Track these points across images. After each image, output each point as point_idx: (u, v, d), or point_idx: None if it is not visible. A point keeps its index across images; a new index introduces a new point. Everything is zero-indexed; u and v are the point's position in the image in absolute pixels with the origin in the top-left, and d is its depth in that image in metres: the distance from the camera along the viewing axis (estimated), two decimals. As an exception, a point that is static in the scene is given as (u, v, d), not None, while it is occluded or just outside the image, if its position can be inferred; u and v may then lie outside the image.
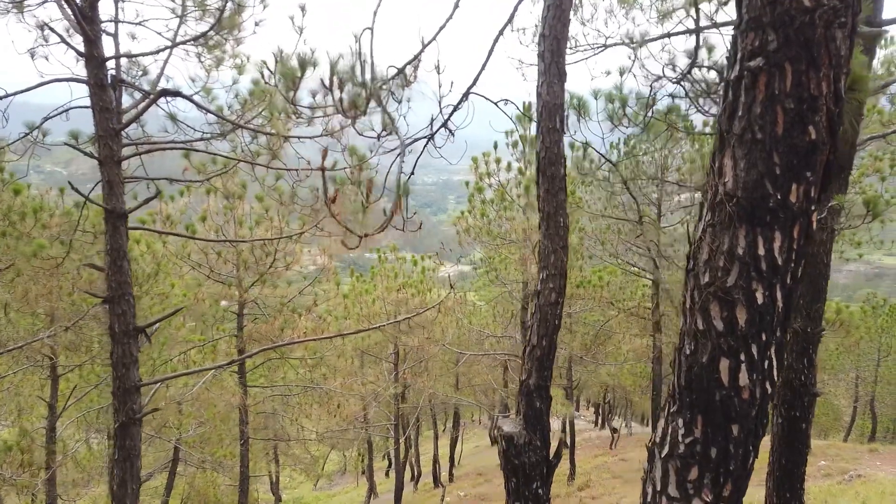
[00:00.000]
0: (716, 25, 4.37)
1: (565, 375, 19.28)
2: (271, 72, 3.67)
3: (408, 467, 31.90)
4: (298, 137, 6.64)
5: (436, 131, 3.64)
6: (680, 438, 2.37)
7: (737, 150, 2.14)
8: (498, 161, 13.51)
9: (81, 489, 18.42)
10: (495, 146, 13.65)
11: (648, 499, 2.46)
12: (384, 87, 3.47)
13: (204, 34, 6.05)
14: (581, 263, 14.32)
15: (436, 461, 31.18)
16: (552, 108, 3.24)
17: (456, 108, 3.76)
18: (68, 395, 14.49)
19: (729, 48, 2.35)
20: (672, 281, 18.17)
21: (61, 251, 9.50)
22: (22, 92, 5.57)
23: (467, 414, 45.94)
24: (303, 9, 6.97)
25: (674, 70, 4.33)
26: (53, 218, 9.54)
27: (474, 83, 3.60)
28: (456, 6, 3.27)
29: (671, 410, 2.42)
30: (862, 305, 21.08)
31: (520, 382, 3.43)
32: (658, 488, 2.43)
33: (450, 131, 4.01)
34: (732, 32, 2.20)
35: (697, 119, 6.59)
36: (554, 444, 3.55)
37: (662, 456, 2.43)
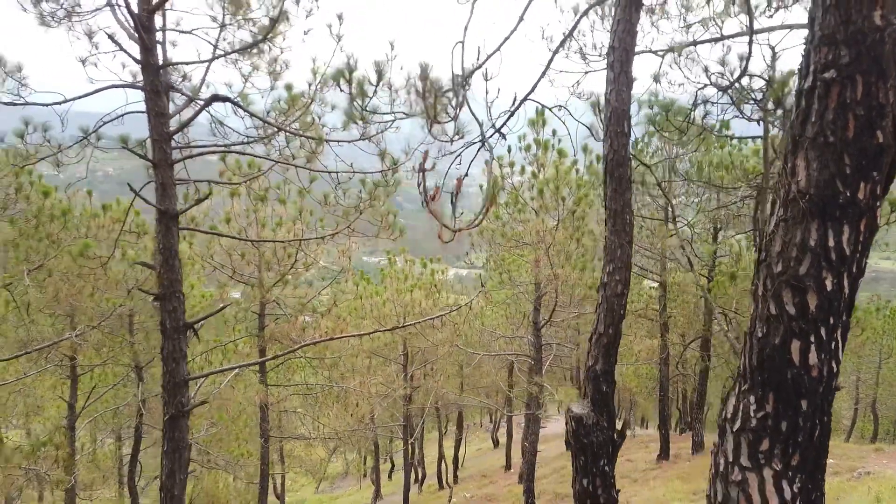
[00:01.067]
0: (769, 29, 4.62)
1: (575, 377, 19.50)
2: (346, 79, 3.91)
3: (411, 469, 32.04)
4: (338, 141, 6.89)
5: (491, 135, 3.89)
6: (752, 413, 2.62)
7: (809, 152, 2.39)
8: (512, 165, 13.76)
9: (96, 489, 18.59)
10: (509, 150, 13.90)
11: (721, 469, 2.70)
12: (448, 93, 3.71)
13: (253, 44, 6.30)
14: (593, 265, 14.58)
15: (441, 461, 31.36)
16: (620, 114, 3.51)
17: (511, 114, 4.01)
18: (87, 394, 14.68)
19: (768, 58, 2.61)
20: (677, 281, 18.43)
21: (96, 251, 9.74)
22: (80, 98, 5.81)
23: (470, 416, 46.06)
24: (340, 17, 7.23)
25: (721, 77, 4.58)
26: (94, 220, 9.77)
27: (532, 90, 3.85)
28: (521, 19, 3.52)
29: (742, 388, 2.67)
30: (867, 306, 21.37)
31: (586, 368, 3.68)
32: (730, 459, 2.67)
33: (502, 135, 4.27)
34: (804, 46, 2.45)
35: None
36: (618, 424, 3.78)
37: (734, 430, 2.67)
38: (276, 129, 6.59)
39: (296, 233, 11.05)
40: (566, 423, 3.71)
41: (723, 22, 4.70)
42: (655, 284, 19.24)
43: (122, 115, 5.95)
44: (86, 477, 15.20)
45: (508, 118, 4.03)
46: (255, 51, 6.55)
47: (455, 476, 29.96)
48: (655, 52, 6.32)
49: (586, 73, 6.40)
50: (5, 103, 5.75)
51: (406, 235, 7.95)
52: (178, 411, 6.24)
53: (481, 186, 15.24)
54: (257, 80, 7.65)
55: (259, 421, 12.90)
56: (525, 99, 3.86)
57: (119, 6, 5.76)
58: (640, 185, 17.32)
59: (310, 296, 12.41)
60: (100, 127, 5.90)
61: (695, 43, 4.97)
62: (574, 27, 4.02)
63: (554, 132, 13.56)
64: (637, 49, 7.00)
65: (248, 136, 6.70)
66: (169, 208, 5.94)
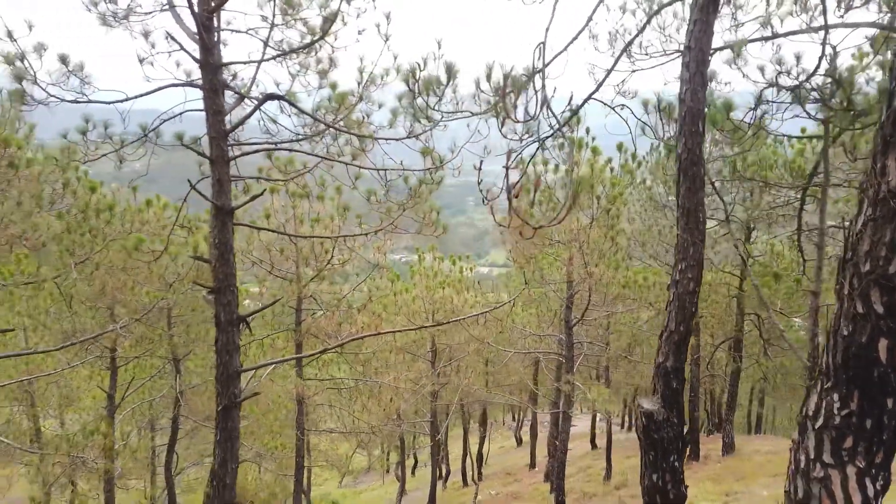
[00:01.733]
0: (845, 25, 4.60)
1: (603, 376, 19.46)
2: (415, 79, 3.98)
3: (437, 465, 32.17)
4: (385, 139, 6.99)
5: (554, 132, 3.94)
6: (835, 411, 2.64)
7: (901, 152, 2.41)
8: (546, 163, 13.74)
9: (130, 479, 18.98)
10: (543, 147, 13.87)
11: (801, 465, 2.73)
12: (514, 92, 3.76)
13: (310, 44, 6.41)
14: (626, 264, 14.54)
15: (466, 458, 31.44)
16: (695, 113, 3.54)
17: (574, 113, 4.05)
18: (125, 386, 15.01)
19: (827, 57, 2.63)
20: (708, 281, 18.26)
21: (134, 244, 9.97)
22: (141, 96, 5.97)
23: (493, 414, 46.07)
24: (388, 17, 7.33)
25: (782, 76, 4.58)
26: (139, 215, 9.99)
27: (597, 89, 3.89)
28: (589, 19, 3.57)
29: (825, 386, 2.70)
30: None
31: (656, 364, 3.72)
32: (812, 456, 2.70)
33: (563, 135, 4.31)
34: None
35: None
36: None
37: (816, 427, 2.70)
38: (325, 127, 6.70)
39: (333, 229, 11.19)
40: (636, 419, 3.75)
41: (782, 20, 4.69)
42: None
43: (181, 114, 6.10)
44: (124, 466, 15.53)
45: (571, 117, 4.08)
46: (307, 50, 6.66)
47: (479, 473, 30.01)
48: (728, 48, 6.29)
49: (633, 71, 6.40)
50: (69, 101, 5.92)
51: (449, 231, 8.03)
52: (231, 402, 6.38)
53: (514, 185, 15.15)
54: (305, 78, 7.79)
55: (295, 414, 13.08)
56: (589, 98, 3.91)
57: (179, 6, 5.90)
58: (672, 184, 17.24)
59: (345, 291, 12.54)
60: (159, 125, 6.05)
61: (766, 38, 4.94)
62: (644, 25, 4.06)
63: (588, 130, 13.53)
64: (684, 48, 6.99)
65: (298, 134, 6.82)
66: (225, 204, 6.07)
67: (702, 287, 15.01)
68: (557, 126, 3.68)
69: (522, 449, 39.18)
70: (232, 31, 6.85)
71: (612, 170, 13.13)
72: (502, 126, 3.67)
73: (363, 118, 6.82)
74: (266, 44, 7.11)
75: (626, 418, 38.91)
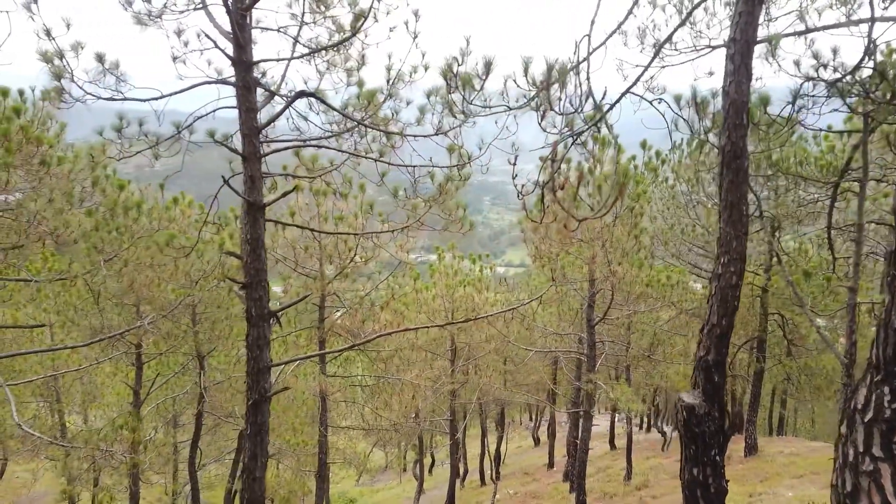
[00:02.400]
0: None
1: (624, 375, 19.36)
2: (454, 74, 4.00)
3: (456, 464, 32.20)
4: (414, 136, 7.02)
5: (594, 123, 3.93)
6: (885, 404, 2.62)
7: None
8: (568, 161, 13.69)
9: (153, 474, 19.23)
10: (566, 145, 13.82)
11: (850, 459, 2.71)
12: (548, 87, 3.77)
13: (340, 42, 6.46)
14: (650, 263, 14.45)
15: (484, 457, 31.43)
16: (739, 106, 3.52)
17: (612, 107, 4.04)
18: (150, 382, 15.20)
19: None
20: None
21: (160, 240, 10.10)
22: (176, 93, 6.06)
23: (510, 414, 46.00)
24: (416, 13, 7.36)
25: (818, 70, 4.54)
26: (166, 212, 10.12)
27: (634, 83, 3.89)
28: (630, 12, 3.57)
29: (875, 379, 2.68)
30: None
31: (697, 358, 3.71)
32: (861, 449, 2.68)
33: (597, 128, 4.31)
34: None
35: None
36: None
37: (866, 420, 2.68)
38: (355, 124, 6.75)
39: (357, 227, 11.26)
40: (676, 413, 3.74)
41: (820, 13, 4.64)
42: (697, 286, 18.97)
43: (214, 111, 6.17)
44: (149, 461, 15.73)
45: (608, 111, 4.07)
46: (337, 48, 6.71)
47: (497, 472, 29.98)
48: (713, 47, 6.25)
49: (662, 67, 6.36)
50: (105, 98, 6.02)
51: (475, 230, 8.04)
52: (262, 396, 6.45)
53: (536, 183, 15.10)
54: (334, 76, 7.85)
55: (315, 411, 13.17)
56: (626, 92, 3.90)
57: (212, 5, 5.97)
58: (695, 182, 17.12)
59: (367, 289, 12.61)
60: (193, 122, 6.13)
61: (799, 32, 4.89)
62: (685, 19, 4.04)
63: (610, 127, 13.46)
64: (715, 43, 6.95)
65: (326, 132, 6.88)
66: (257, 200, 6.14)
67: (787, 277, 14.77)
68: (598, 118, 3.68)
69: (540, 449, 39.10)
70: (263, 29, 6.92)
71: (635, 167, 13.07)
72: (542, 119, 3.68)
73: (392, 115, 6.86)
74: (296, 41, 7.18)
75: (645, 419, 38.66)
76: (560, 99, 3.63)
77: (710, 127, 5.07)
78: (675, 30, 3.74)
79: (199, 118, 6.17)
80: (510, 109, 4.02)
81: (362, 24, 6.36)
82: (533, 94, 4.04)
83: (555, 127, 3.79)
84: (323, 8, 6.51)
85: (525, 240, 16.28)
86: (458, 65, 4.05)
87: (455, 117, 4.21)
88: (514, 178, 3.60)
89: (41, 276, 11.59)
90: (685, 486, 3.69)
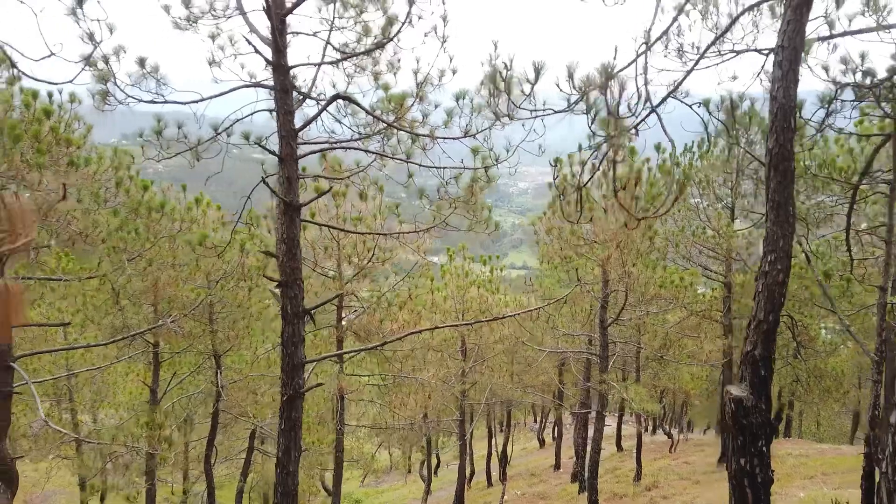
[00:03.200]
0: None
1: (633, 376, 19.47)
2: (502, 77, 4.13)
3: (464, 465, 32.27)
4: (443, 138, 7.17)
5: (638, 122, 4.07)
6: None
7: None
8: (583, 163, 13.79)
9: (166, 472, 19.40)
10: (580, 148, 13.93)
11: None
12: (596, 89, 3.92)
13: (376, 46, 6.62)
14: (663, 264, 14.59)
15: (491, 459, 31.53)
16: (787, 110, 3.66)
17: (654, 109, 4.19)
18: (168, 381, 15.34)
19: None
20: (743, 282, 18.25)
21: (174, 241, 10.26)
22: (216, 97, 6.21)
23: (516, 415, 46.06)
24: (444, 18, 7.51)
25: (847, 75, 4.69)
26: (188, 212, 10.27)
27: (675, 88, 4.03)
28: (680, 11, 3.71)
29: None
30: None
31: (744, 353, 3.85)
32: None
33: (637, 131, 4.46)
34: None
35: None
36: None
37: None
38: (386, 126, 6.90)
39: (375, 227, 11.40)
40: (724, 406, 3.87)
41: (850, 20, 4.78)
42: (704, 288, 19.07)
43: (252, 114, 6.33)
44: (164, 459, 15.86)
45: (648, 115, 4.22)
46: (369, 52, 6.87)
47: (504, 473, 30.09)
48: (759, 51, 6.40)
49: (689, 71, 6.51)
50: (147, 101, 6.17)
51: (500, 231, 8.18)
52: (296, 392, 6.60)
53: (549, 185, 15.28)
54: (362, 79, 8.02)
55: (329, 411, 13.31)
56: (668, 97, 4.04)
57: (250, 11, 6.12)
58: (706, 184, 17.25)
59: (384, 289, 12.75)
60: (231, 125, 6.29)
61: (823, 38, 5.03)
62: (729, 25, 4.20)
63: (665, 130, 13.56)
64: (738, 48, 7.09)
65: (359, 134, 7.03)
66: (293, 200, 6.29)
67: (733, 289, 15.01)
68: (641, 118, 3.83)
69: (545, 450, 39.18)
70: (296, 33, 7.07)
71: (649, 170, 13.19)
72: (593, 122, 3.82)
73: (422, 118, 7.02)
74: (328, 44, 7.33)
75: (650, 421, 38.74)
76: (618, 102, 3.76)
77: (740, 131, 5.20)
78: (720, 36, 3.88)
79: (237, 121, 6.32)
80: (556, 112, 4.16)
81: (400, 29, 6.51)
82: (575, 98, 4.18)
83: (602, 130, 3.93)
84: (356, 13, 6.66)
85: (538, 241, 16.43)
86: (507, 69, 4.19)
87: (499, 120, 4.35)
88: (554, 179, 3.73)
89: (76, 275, 11.77)
90: (732, 476, 3.82)
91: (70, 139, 9.48)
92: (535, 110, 4.18)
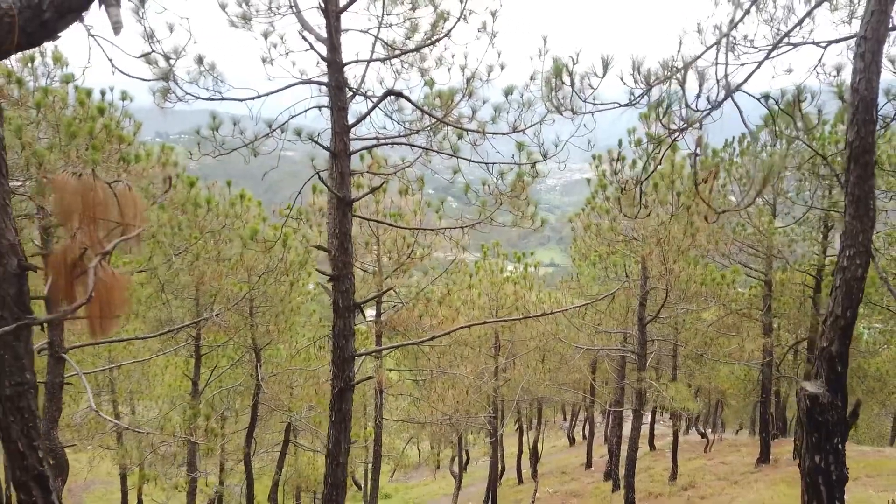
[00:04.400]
0: None
1: (669, 374, 19.27)
2: (569, 71, 4.14)
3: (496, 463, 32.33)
4: (493, 133, 7.19)
5: (705, 114, 4.04)
6: None
7: None
8: (622, 158, 13.68)
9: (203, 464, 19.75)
10: (620, 143, 13.81)
11: None
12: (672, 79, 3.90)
13: (430, 42, 6.67)
14: (705, 262, 14.40)
15: (521, 456, 31.50)
16: (869, 102, 3.61)
17: (720, 103, 4.15)
18: (209, 374, 15.64)
19: None
20: (782, 280, 17.94)
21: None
22: (272, 93, 6.32)
23: (546, 413, 45.93)
24: (494, 14, 7.53)
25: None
26: (232, 208, 10.45)
27: (745, 81, 3.99)
28: (747, 12, 3.68)
29: None
30: None
31: (820, 349, 3.81)
32: None
33: (700, 124, 4.43)
34: None
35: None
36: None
37: None
38: (435, 122, 6.95)
39: (414, 223, 11.46)
40: (798, 402, 3.83)
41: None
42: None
43: (307, 111, 6.42)
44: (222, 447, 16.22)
45: (714, 108, 4.18)
46: (424, 48, 6.92)
47: (535, 471, 30.04)
48: (817, 44, 6.28)
49: (743, 65, 6.42)
50: (204, 98, 6.30)
51: (546, 226, 8.18)
52: (346, 384, 6.69)
53: (588, 181, 15.18)
54: (408, 75, 8.07)
55: (376, 405, 13.44)
56: (735, 90, 4.00)
57: (305, 9, 6.20)
58: (747, 180, 16.95)
59: (423, 284, 12.82)
60: (287, 121, 6.39)
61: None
62: (803, 18, 4.17)
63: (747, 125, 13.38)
64: (794, 40, 6.97)
65: (407, 129, 7.08)
66: (346, 195, 6.37)
67: (774, 287, 14.77)
68: (707, 111, 3.80)
69: (575, 448, 38.98)
70: (347, 31, 7.14)
71: (692, 166, 13.03)
72: (664, 115, 3.80)
73: (471, 113, 7.04)
74: (377, 40, 7.39)
75: (684, 421, 38.30)
76: (699, 94, 3.74)
77: (800, 126, 5.13)
78: (796, 26, 3.86)
79: (292, 116, 6.42)
80: (621, 105, 4.15)
81: (454, 25, 6.54)
82: (639, 91, 4.17)
83: (673, 123, 3.91)
84: (408, 8, 6.71)
85: (574, 237, 16.34)
86: (574, 63, 4.20)
87: (562, 114, 4.36)
88: (615, 175, 3.72)
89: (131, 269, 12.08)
90: (805, 473, 3.78)
91: (122, 136, 9.71)
92: (603, 104, 4.18)
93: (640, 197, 4.26)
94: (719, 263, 17.23)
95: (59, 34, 1.95)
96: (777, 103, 4.05)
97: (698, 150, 3.39)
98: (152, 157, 10.85)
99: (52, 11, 1.80)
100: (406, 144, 7.07)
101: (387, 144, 7.03)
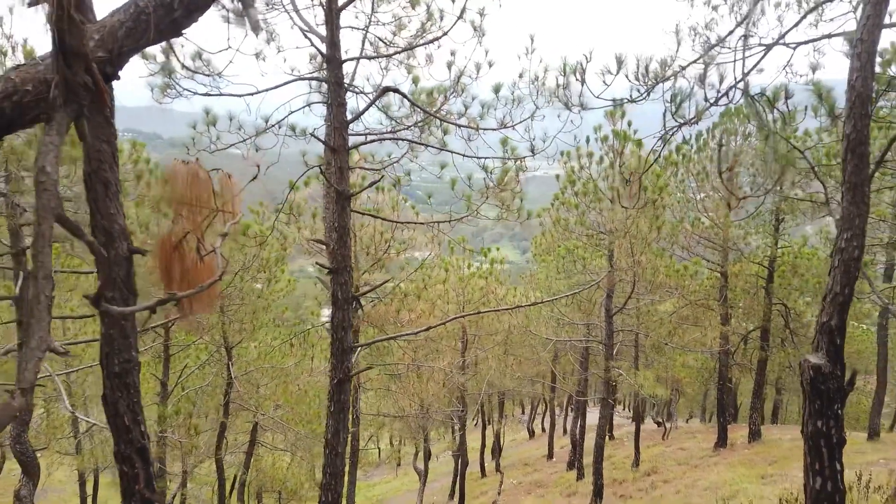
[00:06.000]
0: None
1: (631, 364, 19.88)
2: (582, 68, 4.38)
3: (460, 457, 32.61)
4: (483, 129, 7.41)
5: (706, 108, 4.35)
6: None
7: None
8: (590, 155, 14.13)
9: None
10: (587, 140, 14.23)
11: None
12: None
13: (428, 43, 6.83)
14: (669, 254, 14.97)
15: (484, 450, 31.92)
16: (864, 98, 3.97)
17: (717, 100, 4.46)
18: (177, 374, 15.38)
19: None
20: (738, 271, 18.74)
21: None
22: (271, 89, 6.36)
23: (507, 406, 46.51)
24: (481, 13, 7.74)
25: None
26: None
27: (743, 77, 4.31)
28: (750, 12, 3.99)
29: None
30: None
31: (820, 324, 4.15)
32: None
33: (697, 120, 4.74)
34: None
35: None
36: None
37: None
38: (427, 116, 7.12)
39: (392, 218, 11.59)
40: (801, 373, 4.17)
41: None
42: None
43: (308, 105, 6.50)
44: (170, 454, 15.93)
45: (716, 101, 4.50)
46: (417, 48, 7.07)
47: (498, 464, 30.48)
48: (788, 45, 6.71)
49: (708, 64, 6.80)
50: (202, 94, 6.31)
51: (532, 220, 8.45)
52: (345, 375, 6.80)
53: (557, 177, 15.58)
54: (395, 73, 8.22)
55: (353, 399, 13.49)
56: (733, 87, 4.32)
57: (303, 8, 6.29)
58: (704, 176, 17.65)
59: (398, 280, 12.96)
60: (287, 116, 6.46)
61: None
62: (799, 20, 4.53)
63: (629, 123, 13.88)
64: (766, 42, 7.41)
65: (399, 126, 7.23)
66: (345, 190, 6.48)
67: (729, 278, 15.48)
68: (709, 104, 4.10)
69: (535, 441, 39.65)
70: (348, 28, 7.24)
71: (656, 161, 13.54)
72: (676, 111, 4.09)
73: (464, 109, 7.24)
74: (368, 37, 7.50)
75: (641, 410, 39.40)
76: (719, 91, 4.04)
77: (776, 119, 5.52)
78: (786, 32, 4.20)
79: (292, 112, 6.49)
80: (630, 101, 4.43)
81: (453, 24, 6.72)
82: (644, 87, 4.46)
83: (682, 116, 4.20)
84: (402, 8, 6.86)
85: (543, 232, 16.71)
86: (588, 61, 4.44)
87: (570, 110, 4.60)
88: (619, 166, 3.99)
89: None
90: (808, 437, 4.13)
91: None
92: (614, 100, 4.44)
93: (640, 189, 4.54)
94: (679, 256, 17.90)
95: (183, 31, 2.06)
96: (755, 100, 4.39)
97: (722, 142, 3.68)
98: (123, 154, 10.68)
99: (182, 10, 1.91)
100: (400, 139, 7.22)
101: (387, 139, 7.18)
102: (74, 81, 1.59)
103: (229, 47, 5.61)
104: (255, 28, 2.17)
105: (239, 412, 18.75)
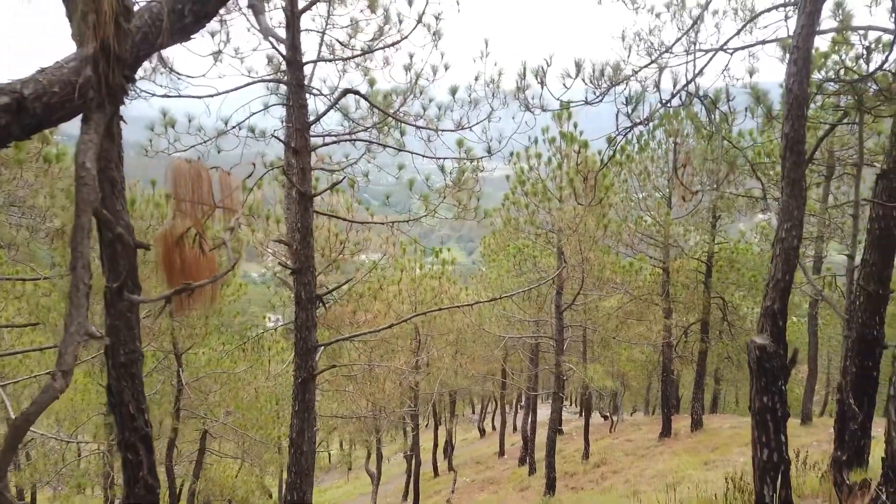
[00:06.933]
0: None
1: (580, 359, 20.42)
2: (543, 71, 4.60)
3: (413, 457, 32.68)
4: (443, 130, 7.61)
5: (657, 110, 4.66)
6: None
7: None
8: (539, 156, 14.52)
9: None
10: (535, 142, 14.61)
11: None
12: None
13: (390, 45, 6.96)
14: (616, 251, 15.51)
15: (436, 449, 32.11)
16: (801, 100, 4.33)
17: (668, 102, 4.78)
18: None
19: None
20: (678, 267, 19.53)
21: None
22: (232, 91, 6.37)
23: (458, 406, 46.79)
24: (437, 17, 7.93)
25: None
26: (158, 208, 10.20)
27: (690, 82, 4.64)
28: (696, 20, 4.32)
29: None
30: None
31: (764, 308, 4.49)
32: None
33: (648, 121, 5.07)
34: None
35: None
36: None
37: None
38: (382, 119, 7.26)
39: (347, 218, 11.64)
40: (749, 353, 4.51)
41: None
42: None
43: (267, 107, 6.54)
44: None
45: (667, 102, 4.82)
46: (377, 51, 7.20)
47: (450, 462, 30.71)
48: (725, 50, 7.17)
49: (663, 68, 7.20)
50: (160, 95, 6.28)
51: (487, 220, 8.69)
52: (309, 374, 6.87)
53: (507, 177, 15.91)
54: (352, 75, 8.34)
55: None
56: (683, 88, 4.65)
57: (266, 11, 6.33)
58: (646, 176, 18.34)
59: (355, 280, 13.00)
60: (247, 118, 6.48)
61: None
62: (740, 30, 4.88)
63: (576, 125, 14.33)
64: (706, 47, 7.85)
65: (359, 127, 7.35)
66: (307, 191, 6.55)
67: (671, 273, 16.19)
68: (661, 105, 4.42)
69: (486, 439, 40.11)
70: (313, 31, 7.31)
71: (601, 161, 14.02)
72: (633, 111, 4.38)
73: (423, 111, 7.42)
74: (322, 41, 7.59)
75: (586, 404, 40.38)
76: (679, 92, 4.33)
77: (717, 121, 5.92)
78: (742, 27, 4.59)
79: (253, 114, 6.52)
80: (587, 103, 4.70)
81: (413, 29, 6.88)
82: (598, 91, 4.74)
83: (638, 117, 4.49)
84: (361, 11, 6.98)
85: (494, 232, 17.02)
86: (548, 65, 4.69)
87: (532, 112, 4.83)
88: (577, 165, 4.26)
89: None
90: (755, 413, 4.47)
91: (45, 135, 9.30)
92: (572, 101, 4.69)
93: (595, 187, 4.81)
94: (623, 253, 18.54)
95: (192, 36, 2.15)
96: (702, 101, 4.74)
97: (678, 140, 3.97)
98: (68, 157, 10.41)
99: (192, 17, 2.01)
100: (363, 140, 7.33)
101: (346, 141, 7.27)
102: (115, 84, 1.68)
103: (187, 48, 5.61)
104: (266, 33, 2.26)
105: (188, 420, 18.37)
